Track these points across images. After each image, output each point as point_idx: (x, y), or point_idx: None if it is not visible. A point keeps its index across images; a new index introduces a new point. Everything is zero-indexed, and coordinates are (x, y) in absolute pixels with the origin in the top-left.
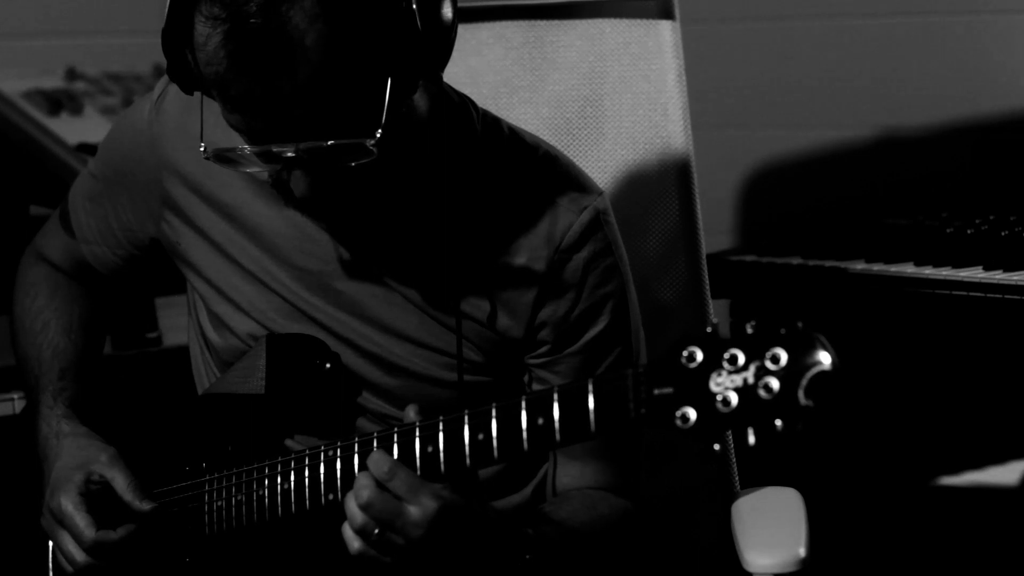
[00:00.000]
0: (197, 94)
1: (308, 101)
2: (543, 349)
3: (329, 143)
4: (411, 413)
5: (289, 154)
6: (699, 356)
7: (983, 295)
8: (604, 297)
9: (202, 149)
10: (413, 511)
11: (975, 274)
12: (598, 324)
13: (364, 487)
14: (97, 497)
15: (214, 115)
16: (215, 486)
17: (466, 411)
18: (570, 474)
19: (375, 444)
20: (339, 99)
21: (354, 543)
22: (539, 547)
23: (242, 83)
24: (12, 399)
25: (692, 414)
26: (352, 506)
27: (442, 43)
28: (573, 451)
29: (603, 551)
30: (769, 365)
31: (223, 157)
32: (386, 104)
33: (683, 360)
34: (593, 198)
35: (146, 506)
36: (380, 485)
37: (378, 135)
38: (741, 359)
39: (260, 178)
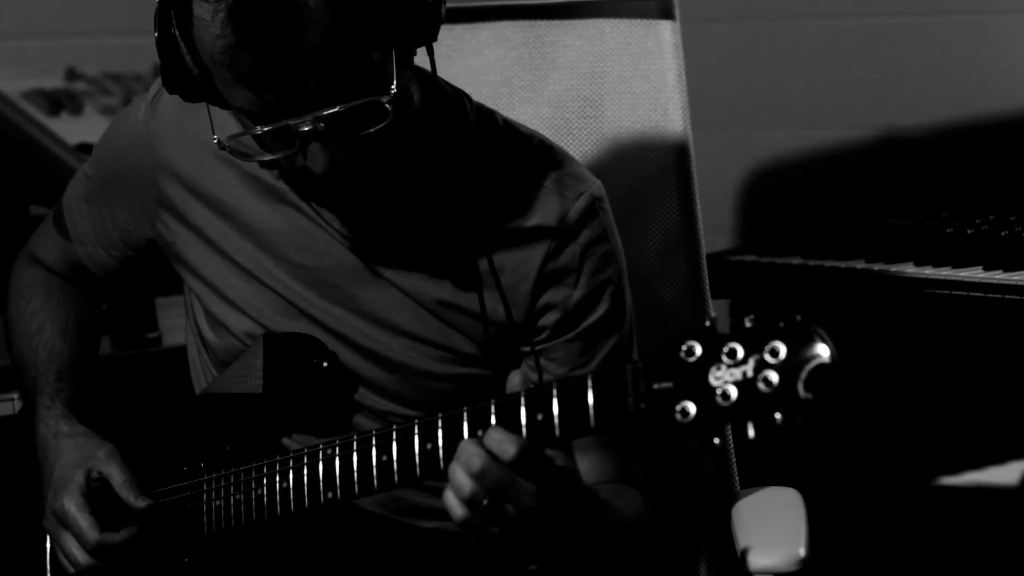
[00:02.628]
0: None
1: (319, 65)
2: (541, 336)
3: (346, 106)
4: (516, 379)
5: (305, 128)
6: (698, 350)
7: (983, 295)
8: (602, 284)
9: (215, 140)
10: (527, 481)
11: (975, 274)
12: (597, 311)
13: (475, 455)
14: (99, 496)
15: (208, 114)
16: (213, 486)
17: (465, 408)
18: (582, 469)
19: (373, 441)
20: (348, 62)
21: (458, 511)
22: (614, 522)
23: (252, 54)
24: (12, 399)
25: (692, 408)
26: (460, 475)
27: (436, 6)
28: (582, 444)
29: (629, 539)
30: (768, 358)
31: (237, 149)
32: (395, 64)
33: (682, 354)
34: (589, 185)
35: (141, 503)
36: (491, 455)
37: (392, 91)
38: (740, 353)
39: (269, 176)
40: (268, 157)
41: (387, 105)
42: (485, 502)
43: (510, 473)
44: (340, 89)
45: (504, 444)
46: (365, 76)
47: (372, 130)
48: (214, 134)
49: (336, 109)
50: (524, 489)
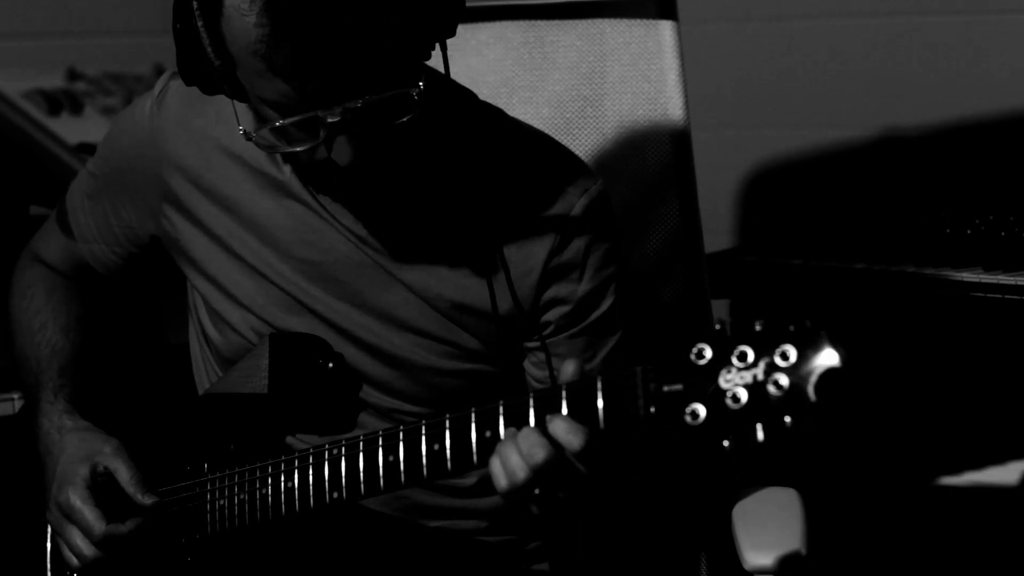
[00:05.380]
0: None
1: (353, 57)
2: (546, 332)
3: (376, 97)
4: (570, 368)
5: (333, 119)
6: (708, 353)
7: (983, 295)
8: (606, 279)
9: (241, 131)
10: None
11: (975, 274)
12: (601, 306)
13: (539, 446)
14: (104, 490)
15: (215, 110)
16: (217, 485)
17: (473, 409)
18: None
19: (380, 442)
20: (380, 54)
21: (502, 482)
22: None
23: (288, 44)
24: (12, 399)
25: (702, 411)
26: (517, 461)
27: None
28: None
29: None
30: (779, 362)
31: (260, 141)
32: (421, 55)
33: (692, 356)
34: (592, 181)
35: (148, 500)
36: (554, 444)
37: (421, 83)
38: (751, 356)
39: (275, 171)
40: (292, 149)
41: (415, 96)
42: (537, 492)
43: (572, 464)
44: (371, 80)
45: (571, 435)
46: (394, 67)
47: (400, 121)
48: (239, 125)
49: (367, 100)
50: (578, 477)
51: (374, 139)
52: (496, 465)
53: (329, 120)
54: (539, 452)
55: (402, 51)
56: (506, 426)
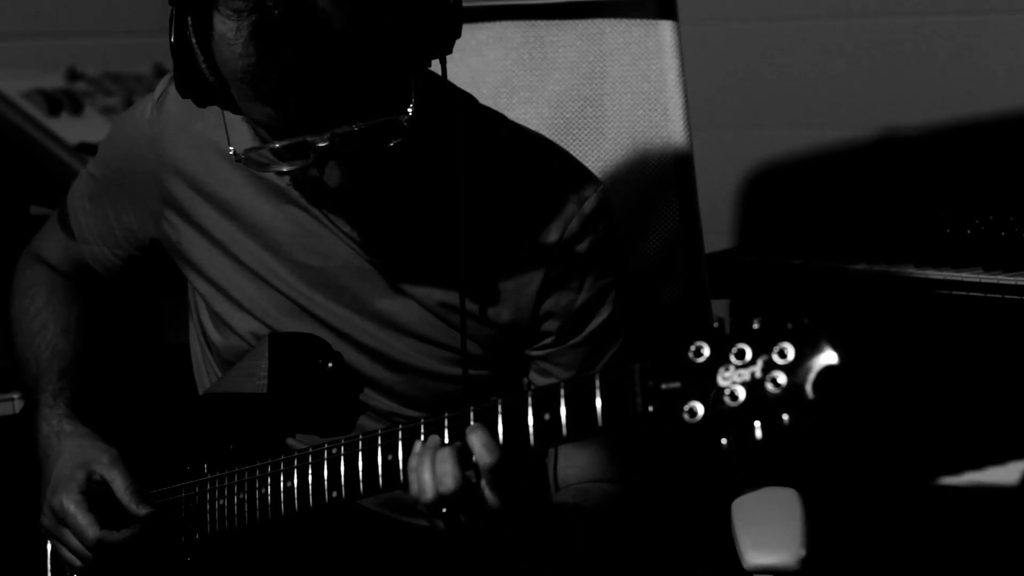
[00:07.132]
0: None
1: (340, 85)
2: (547, 340)
3: (365, 124)
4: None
5: (322, 144)
6: (706, 351)
7: (983, 295)
8: (607, 287)
9: (231, 152)
10: (492, 498)
11: (975, 275)
12: (601, 314)
13: (450, 476)
14: (98, 496)
15: (214, 116)
16: (217, 485)
17: (472, 407)
18: (577, 465)
19: (379, 440)
20: (368, 81)
21: (412, 490)
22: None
23: (274, 74)
24: (12, 399)
25: (699, 409)
26: (428, 485)
27: (455, 18)
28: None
29: (597, 534)
30: (777, 359)
31: (252, 159)
32: (413, 80)
33: (690, 354)
34: (593, 189)
35: (143, 511)
36: (463, 463)
37: (410, 111)
38: (748, 354)
39: (275, 176)
40: (283, 168)
41: (404, 123)
42: (444, 510)
43: (479, 493)
44: (359, 107)
45: (486, 454)
46: (384, 93)
47: (388, 146)
48: (230, 145)
49: (355, 127)
50: (483, 506)
51: (364, 162)
52: (411, 475)
53: (318, 145)
54: (449, 482)
55: (392, 77)
56: (505, 425)
